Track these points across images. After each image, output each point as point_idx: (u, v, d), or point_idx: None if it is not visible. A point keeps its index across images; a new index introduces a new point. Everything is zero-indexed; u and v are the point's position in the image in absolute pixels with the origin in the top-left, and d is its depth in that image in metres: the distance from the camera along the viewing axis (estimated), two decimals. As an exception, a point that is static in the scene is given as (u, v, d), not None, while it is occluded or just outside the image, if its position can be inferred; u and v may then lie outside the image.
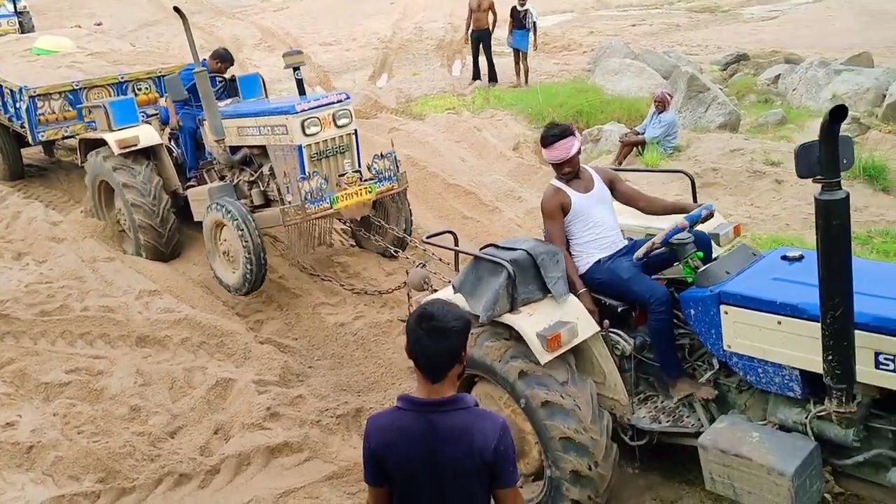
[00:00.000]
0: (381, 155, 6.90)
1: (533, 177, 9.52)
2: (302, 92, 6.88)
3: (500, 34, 15.44)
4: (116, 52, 10.77)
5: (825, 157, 2.86)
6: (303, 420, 5.21)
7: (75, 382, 5.67)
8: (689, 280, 3.97)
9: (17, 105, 9.07)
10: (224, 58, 8.02)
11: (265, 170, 7.14)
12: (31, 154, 10.96)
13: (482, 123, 11.67)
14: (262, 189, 7.25)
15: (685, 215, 4.08)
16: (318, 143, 6.56)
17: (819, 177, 2.90)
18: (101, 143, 7.76)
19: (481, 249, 4.21)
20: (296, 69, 6.79)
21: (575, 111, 11.69)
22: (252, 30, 21.87)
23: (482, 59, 14.65)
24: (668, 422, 4.00)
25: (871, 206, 7.65)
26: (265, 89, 8.52)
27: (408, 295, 5.17)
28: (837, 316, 3.01)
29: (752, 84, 13.06)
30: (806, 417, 3.49)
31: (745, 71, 14.10)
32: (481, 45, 14.49)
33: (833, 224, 2.91)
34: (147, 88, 9.34)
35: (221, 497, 4.63)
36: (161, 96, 8.94)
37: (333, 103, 6.63)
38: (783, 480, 3.27)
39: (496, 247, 4.17)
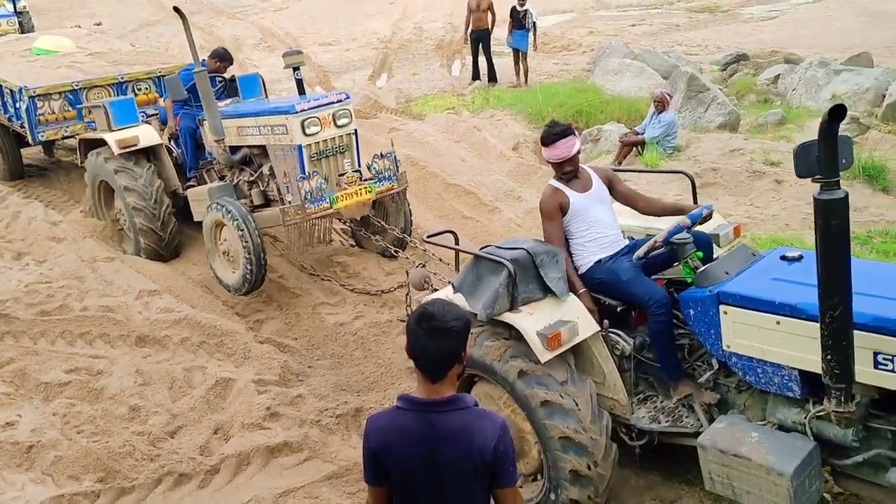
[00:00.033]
0: (381, 155, 6.90)
1: (533, 177, 9.53)
2: (302, 92, 6.89)
3: (500, 34, 15.45)
4: (116, 52, 10.77)
5: (824, 156, 2.86)
6: (302, 420, 5.21)
7: (75, 382, 5.67)
8: (689, 280, 3.97)
9: (17, 105, 9.07)
10: (223, 57, 8.03)
11: (265, 170, 7.14)
12: (31, 154, 10.96)
13: (482, 123, 11.67)
14: (262, 189, 7.25)
15: (687, 214, 4.08)
16: (318, 142, 6.56)
17: (818, 176, 2.90)
18: (101, 143, 7.76)
19: (481, 249, 4.21)
20: (296, 69, 6.80)
21: (575, 111, 11.69)
22: (252, 30, 21.87)
23: (482, 60, 14.65)
24: (667, 422, 4.01)
25: (870, 206, 7.65)
26: (265, 89, 8.53)
27: (406, 295, 5.17)
28: (836, 315, 3.02)
29: (752, 84, 13.06)
30: (805, 417, 3.50)
31: (745, 71, 14.11)
32: (481, 46, 14.50)
33: (832, 223, 2.92)
34: (147, 88, 9.34)
35: (221, 497, 4.64)
36: (161, 96, 8.94)
37: (333, 103, 6.63)
38: (782, 480, 3.27)
39: (496, 247, 4.18)
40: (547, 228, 4.33)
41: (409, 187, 7.32)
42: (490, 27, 14.42)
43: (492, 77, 14.63)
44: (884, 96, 10.73)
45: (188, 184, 7.95)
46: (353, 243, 7.87)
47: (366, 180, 6.78)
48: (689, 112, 10.94)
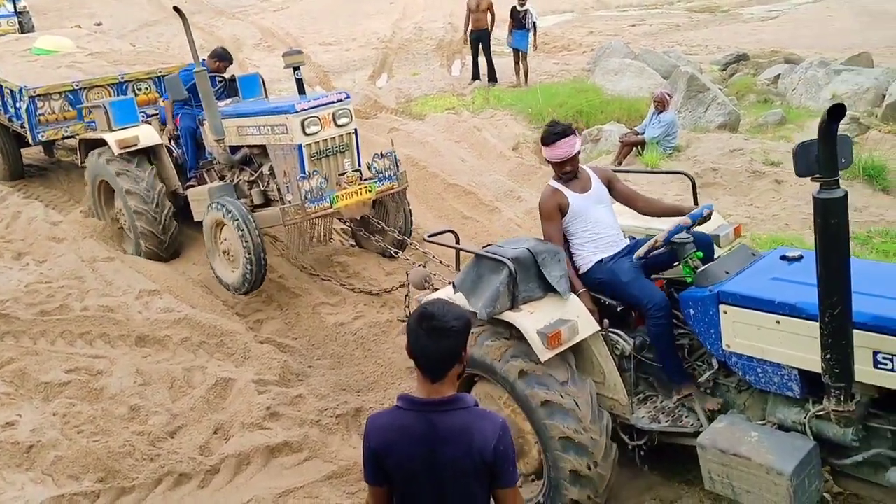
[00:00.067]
0: (381, 154, 6.90)
1: (533, 177, 9.53)
2: (302, 92, 6.89)
3: (500, 34, 15.45)
4: (116, 52, 10.77)
5: (823, 155, 2.86)
6: (302, 420, 5.21)
7: (75, 382, 5.67)
8: (689, 280, 3.97)
9: (18, 105, 9.07)
10: (223, 57, 8.03)
11: (265, 169, 7.14)
12: (31, 154, 10.96)
13: (482, 123, 11.67)
14: (262, 188, 7.25)
15: (688, 214, 4.08)
16: (318, 142, 6.56)
17: (817, 175, 2.90)
18: (101, 143, 7.76)
19: (482, 249, 4.21)
20: (296, 69, 6.79)
21: (575, 111, 11.70)
22: (252, 30, 21.87)
23: (482, 60, 14.65)
24: (667, 422, 4.00)
25: (870, 206, 7.65)
26: (265, 89, 8.53)
27: (406, 296, 5.17)
28: (836, 314, 3.02)
29: (752, 84, 13.06)
30: (805, 417, 3.49)
31: (745, 71, 14.11)
32: (481, 46, 14.50)
33: (831, 222, 2.92)
34: (147, 88, 9.34)
35: (221, 497, 4.64)
36: (161, 96, 8.95)
37: (333, 102, 6.64)
38: (782, 480, 3.27)
39: (497, 246, 4.18)
40: (546, 229, 4.33)
41: (409, 187, 7.32)
42: (489, 27, 14.42)
43: (492, 77, 14.63)
44: (884, 96, 10.73)
45: (188, 184, 7.95)
46: (353, 243, 7.87)
47: (366, 180, 6.78)
48: (689, 112, 10.94)
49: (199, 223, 7.17)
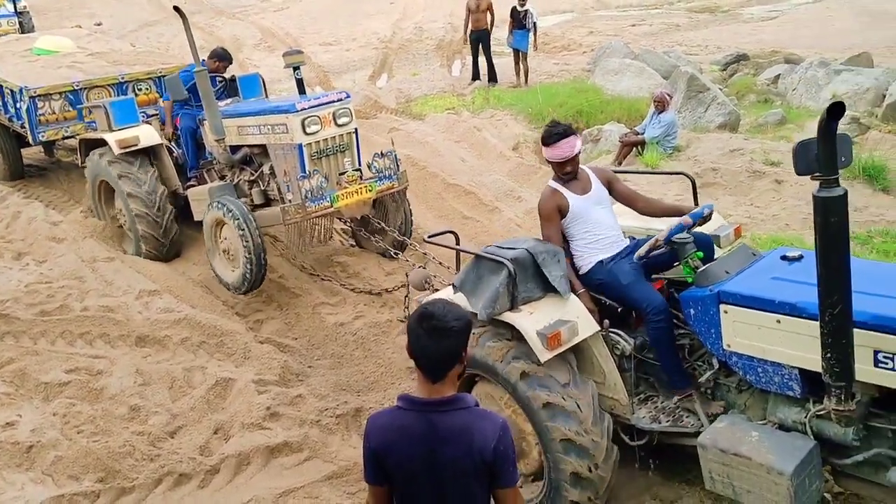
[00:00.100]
0: (382, 153, 6.90)
1: (533, 177, 9.53)
2: (302, 91, 6.90)
3: (500, 34, 15.45)
4: (116, 52, 10.77)
5: (823, 154, 2.86)
6: (302, 420, 5.21)
7: (75, 382, 5.67)
8: (689, 280, 3.97)
9: (18, 105, 9.07)
10: (222, 57, 8.03)
11: (265, 169, 7.14)
12: (31, 154, 10.95)
13: (482, 123, 11.67)
14: (263, 188, 7.25)
15: (689, 214, 4.08)
16: (319, 141, 6.56)
17: (817, 174, 2.90)
18: (102, 143, 7.76)
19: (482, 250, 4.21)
20: (296, 69, 6.80)
21: (575, 111, 11.69)
22: (252, 30, 21.88)
23: (482, 60, 14.65)
24: (667, 422, 4.00)
25: (870, 206, 7.65)
26: (265, 89, 8.53)
27: (405, 296, 5.17)
28: (836, 313, 3.01)
29: (752, 84, 13.06)
30: (805, 416, 3.49)
31: (745, 71, 14.11)
32: (481, 46, 14.50)
33: (831, 221, 2.92)
34: (147, 88, 9.34)
35: (221, 497, 4.63)
36: (161, 96, 8.95)
37: (333, 102, 6.63)
38: (782, 479, 3.27)
39: (497, 247, 4.18)
40: (545, 230, 4.32)
41: (409, 187, 7.31)
42: (489, 27, 14.42)
43: (492, 77, 14.63)
44: (884, 96, 10.72)
45: (188, 183, 7.95)
46: (353, 243, 7.87)
47: (366, 179, 6.78)
48: (689, 112, 10.94)
49: (200, 223, 7.17)
